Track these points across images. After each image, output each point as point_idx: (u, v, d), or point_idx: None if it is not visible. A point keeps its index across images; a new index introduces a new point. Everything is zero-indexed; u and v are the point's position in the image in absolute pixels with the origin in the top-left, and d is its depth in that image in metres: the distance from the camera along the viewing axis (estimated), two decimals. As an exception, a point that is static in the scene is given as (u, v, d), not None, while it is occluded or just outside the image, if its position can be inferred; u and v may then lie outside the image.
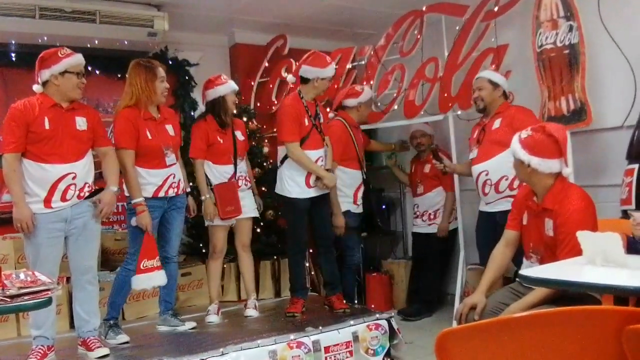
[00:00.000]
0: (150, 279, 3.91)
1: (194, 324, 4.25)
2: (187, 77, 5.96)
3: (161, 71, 4.04)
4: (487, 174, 4.28)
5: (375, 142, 6.00)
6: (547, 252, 3.02)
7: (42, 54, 3.54)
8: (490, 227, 4.19)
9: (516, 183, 4.13)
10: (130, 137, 3.88)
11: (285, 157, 4.41)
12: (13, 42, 5.00)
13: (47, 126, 3.45)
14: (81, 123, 3.60)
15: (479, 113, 4.47)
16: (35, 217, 3.41)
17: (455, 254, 5.28)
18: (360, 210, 5.10)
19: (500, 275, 3.41)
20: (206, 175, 4.43)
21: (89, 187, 3.64)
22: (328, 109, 5.16)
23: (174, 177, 4.07)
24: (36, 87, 3.56)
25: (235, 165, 4.47)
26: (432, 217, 5.62)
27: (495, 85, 4.34)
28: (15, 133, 3.40)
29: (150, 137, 3.95)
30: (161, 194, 4.01)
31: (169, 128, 4.11)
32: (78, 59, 3.60)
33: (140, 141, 3.92)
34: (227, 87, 4.44)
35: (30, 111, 3.43)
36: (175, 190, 4.08)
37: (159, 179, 4.00)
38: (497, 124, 4.26)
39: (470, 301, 3.21)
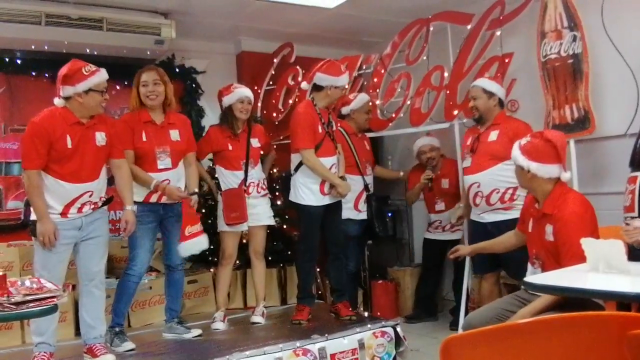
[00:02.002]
0: (196, 243, 4.00)
1: (199, 332, 4.25)
2: (193, 85, 6.00)
3: (144, 76, 4.05)
4: (478, 186, 4.26)
5: (381, 169, 5.89)
6: (548, 257, 3.03)
7: (66, 71, 3.48)
8: (481, 236, 4.14)
9: (507, 196, 4.15)
10: (126, 138, 3.92)
11: (300, 165, 4.38)
12: (19, 48, 5.01)
13: (69, 145, 3.46)
14: (100, 139, 3.62)
15: (475, 122, 4.46)
16: None
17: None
18: (362, 216, 5.14)
19: (498, 248, 3.72)
20: (218, 181, 4.53)
21: (102, 198, 3.70)
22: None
23: (168, 183, 4.05)
24: (57, 102, 3.52)
25: (246, 172, 4.48)
26: (453, 226, 5.51)
27: (489, 94, 4.29)
28: (38, 150, 3.40)
29: (145, 139, 4.00)
30: (153, 199, 4.02)
31: (174, 133, 4.11)
32: (102, 76, 3.56)
33: (134, 143, 3.97)
34: (232, 97, 4.47)
35: (52, 129, 3.42)
36: None
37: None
38: (493, 135, 4.23)
39: (456, 247, 3.91)
